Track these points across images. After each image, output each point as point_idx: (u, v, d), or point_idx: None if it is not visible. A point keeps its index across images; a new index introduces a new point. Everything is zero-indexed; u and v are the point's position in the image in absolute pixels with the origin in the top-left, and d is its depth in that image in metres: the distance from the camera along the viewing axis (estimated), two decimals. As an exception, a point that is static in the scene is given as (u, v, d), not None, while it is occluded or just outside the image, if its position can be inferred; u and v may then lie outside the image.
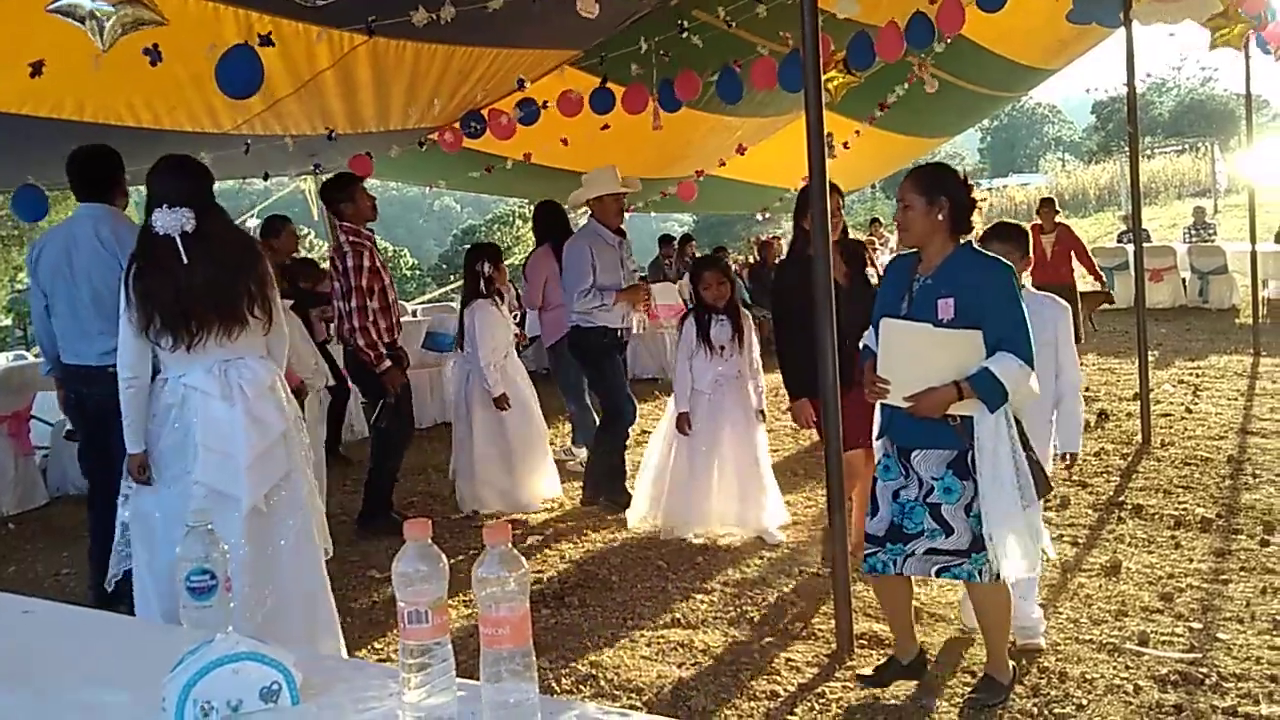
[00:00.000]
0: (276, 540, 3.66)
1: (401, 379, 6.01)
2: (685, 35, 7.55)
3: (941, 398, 3.45)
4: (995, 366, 3.39)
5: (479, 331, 6.29)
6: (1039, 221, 10.66)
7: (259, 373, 3.67)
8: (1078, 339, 10.95)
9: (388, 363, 5.90)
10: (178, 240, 3.57)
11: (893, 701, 3.72)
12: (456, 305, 13.02)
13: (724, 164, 12.25)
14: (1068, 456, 4.19)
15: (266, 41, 5.44)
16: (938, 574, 3.59)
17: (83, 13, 3.83)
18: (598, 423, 6.81)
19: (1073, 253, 10.37)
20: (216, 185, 3.99)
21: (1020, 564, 3.50)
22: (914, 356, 3.55)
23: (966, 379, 3.41)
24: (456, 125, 8.78)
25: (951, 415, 3.46)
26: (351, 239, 5.90)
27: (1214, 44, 8.66)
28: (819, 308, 4.13)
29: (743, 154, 11.87)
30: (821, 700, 3.76)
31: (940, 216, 3.49)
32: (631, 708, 3.70)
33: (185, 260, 3.55)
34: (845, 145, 11.72)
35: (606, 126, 8.47)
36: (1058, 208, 11.27)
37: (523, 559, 1.43)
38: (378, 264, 5.94)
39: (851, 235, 5.39)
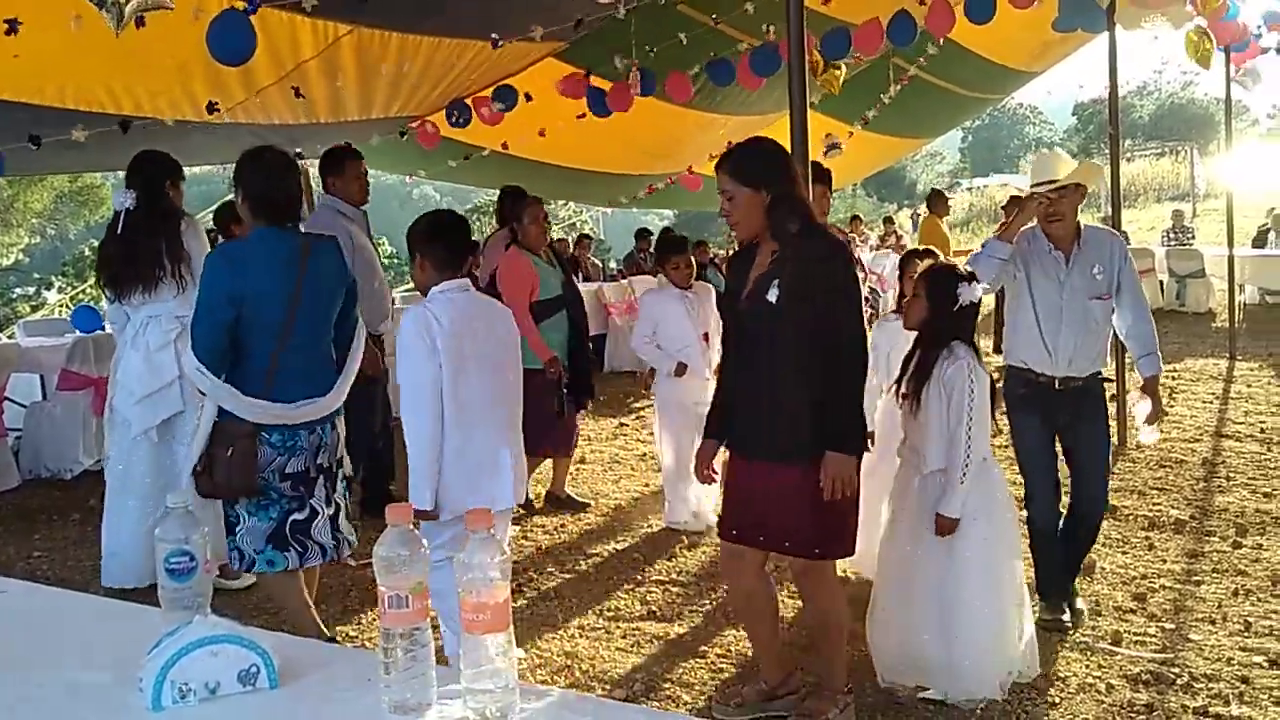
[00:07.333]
0: (169, 464, 4.71)
1: None
2: (670, 15, 7.49)
3: None
4: None
5: None
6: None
7: (165, 327, 4.59)
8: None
9: None
10: (121, 215, 4.52)
11: (870, 699, 3.74)
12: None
13: (714, 158, 12.22)
14: None
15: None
16: None
17: None
18: None
19: None
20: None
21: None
22: None
23: None
24: (440, 116, 8.75)
25: None
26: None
27: (1188, 52, 8.75)
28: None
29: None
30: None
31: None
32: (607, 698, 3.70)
33: (120, 231, 4.52)
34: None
35: (583, 115, 8.45)
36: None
37: (504, 545, 1.44)
38: None
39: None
